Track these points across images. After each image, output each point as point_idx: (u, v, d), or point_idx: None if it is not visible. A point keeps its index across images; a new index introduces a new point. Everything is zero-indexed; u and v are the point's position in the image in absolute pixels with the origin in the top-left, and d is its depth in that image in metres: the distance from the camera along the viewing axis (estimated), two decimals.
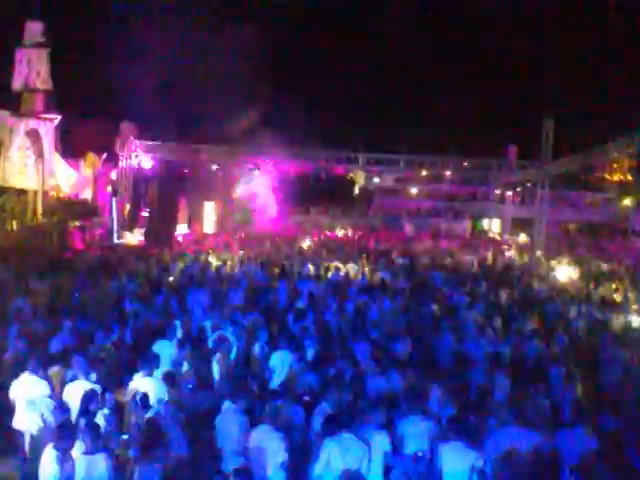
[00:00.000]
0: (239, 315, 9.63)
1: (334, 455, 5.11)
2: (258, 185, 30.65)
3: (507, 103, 45.32)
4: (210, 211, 31.38)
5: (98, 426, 5.20)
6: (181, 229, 26.47)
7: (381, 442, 5.36)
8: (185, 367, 7.31)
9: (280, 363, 7.52)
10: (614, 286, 15.85)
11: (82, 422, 5.32)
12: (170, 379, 6.47)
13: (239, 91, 28.66)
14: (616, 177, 42.94)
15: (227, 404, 5.94)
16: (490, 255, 22.64)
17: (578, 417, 6.23)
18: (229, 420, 5.75)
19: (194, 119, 31.41)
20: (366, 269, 17.10)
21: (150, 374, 6.57)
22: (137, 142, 27.08)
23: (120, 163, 26.53)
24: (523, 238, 29.73)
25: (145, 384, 6.34)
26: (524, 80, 47.89)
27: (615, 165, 41.74)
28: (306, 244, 24.06)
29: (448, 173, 35.80)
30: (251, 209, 32.02)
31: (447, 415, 5.92)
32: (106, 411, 5.82)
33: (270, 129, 27.55)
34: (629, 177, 38.58)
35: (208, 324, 8.84)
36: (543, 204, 19.10)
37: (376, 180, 40.85)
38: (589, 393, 7.60)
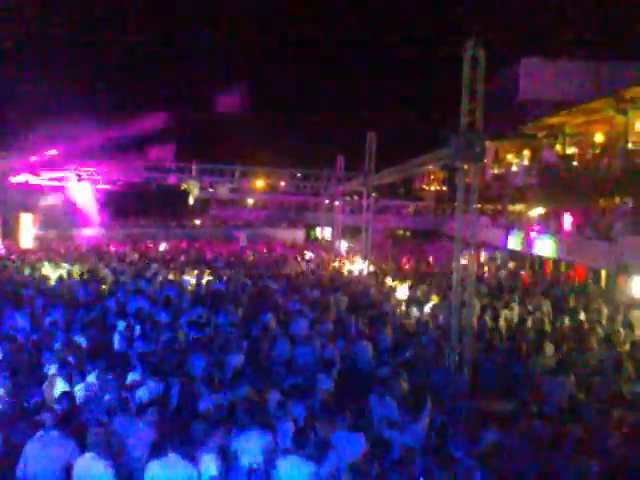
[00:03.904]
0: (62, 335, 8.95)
1: (158, 476, 4.95)
2: (79, 195, 28.46)
3: (337, 118, 47.70)
4: (28, 224, 28.57)
5: None
6: None
7: (211, 459, 5.24)
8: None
9: (103, 385, 7.04)
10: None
11: None
12: None
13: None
14: (433, 187, 47.07)
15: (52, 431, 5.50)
16: (322, 262, 23.52)
17: (408, 414, 6.62)
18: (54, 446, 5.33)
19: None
20: (202, 280, 16.79)
21: None
22: None
23: None
24: (350, 245, 31.30)
25: None
26: (352, 97, 51.09)
27: (432, 177, 45.77)
28: (136, 257, 22.94)
29: (282, 183, 36.55)
30: (70, 221, 29.64)
31: (284, 426, 5.97)
32: None
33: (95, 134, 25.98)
34: (444, 188, 42.37)
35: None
36: (369, 213, 20.28)
37: (211, 190, 40.37)
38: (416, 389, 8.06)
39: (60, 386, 7.01)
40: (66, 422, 5.74)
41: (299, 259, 24.11)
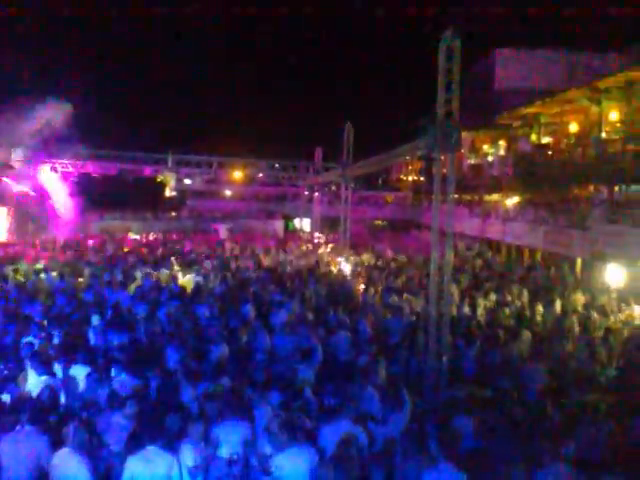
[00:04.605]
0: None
1: (138, 470, 4.92)
2: (53, 188, 27.99)
3: (314, 109, 47.61)
4: (2, 217, 28.07)
5: None
6: None
7: (191, 451, 5.23)
8: None
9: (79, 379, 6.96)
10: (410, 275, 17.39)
11: None
12: None
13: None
14: (410, 178, 47.28)
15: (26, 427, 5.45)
16: (301, 254, 23.50)
17: (389, 404, 6.65)
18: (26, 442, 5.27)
19: None
20: (179, 274, 16.66)
21: None
22: None
23: None
24: (329, 235, 31.33)
25: None
26: (330, 90, 51.03)
27: (410, 167, 46.00)
28: (113, 250, 22.65)
29: (260, 175, 36.42)
30: (45, 215, 29.14)
31: (264, 417, 5.97)
32: None
33: (68, 127, 25.48)
34: (421, 178, 42.58)
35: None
36: (347, 203, 20.30)
37: (188, 182, 40.00)
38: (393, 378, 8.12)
39: (36, 381, 6.91)
40: (41, 417, 5.67)
41: (279, 250, 24.05)
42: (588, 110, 21.31)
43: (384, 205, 44.94)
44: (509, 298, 14.45)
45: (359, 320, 10.98)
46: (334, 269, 19.36)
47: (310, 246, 26.94)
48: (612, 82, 18.96)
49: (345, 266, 19.38)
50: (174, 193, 40.86)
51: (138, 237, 29.63)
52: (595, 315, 12.74)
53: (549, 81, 26.85)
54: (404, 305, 12.80)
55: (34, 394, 6.38)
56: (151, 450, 5.05)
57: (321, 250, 25.30)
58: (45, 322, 9.88)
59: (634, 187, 20.00)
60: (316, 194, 32.44)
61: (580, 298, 14.69)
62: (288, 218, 40.52)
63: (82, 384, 6.94)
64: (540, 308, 13.59)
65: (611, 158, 19.15)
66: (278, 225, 38.45)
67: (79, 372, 7.15)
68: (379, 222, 43.55)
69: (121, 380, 6.95)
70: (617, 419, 6.60)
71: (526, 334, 10.53)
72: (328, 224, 33.22)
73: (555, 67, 29.83)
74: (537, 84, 27.38)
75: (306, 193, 36.47)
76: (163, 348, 8.40)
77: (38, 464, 5.22)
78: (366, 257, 22.33)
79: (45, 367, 7.25)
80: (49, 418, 5.91)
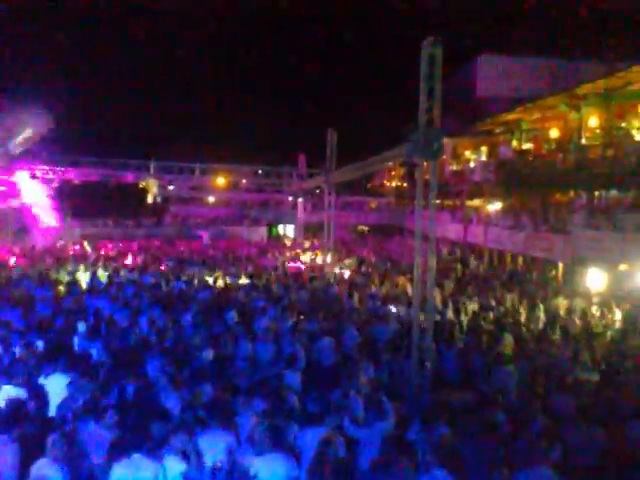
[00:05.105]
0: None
1: (124, 478, 4.86)
2: (33, 196, 27.66)
3: (298, 116, 47.71)
4: None
5: None
6: None
7: (175, 459, 5.17)
8: None
9: (61, 388, 6.84)
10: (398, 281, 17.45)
11: None
12: None
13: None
14: (393, 184, 47.47)
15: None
16: (284, 260, 23.46)
17: (373, 410, 6.64)
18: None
19: None
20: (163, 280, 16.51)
21: None
22: None
23: None
24: (313, 241, 31.33)
25: None
26: (313, 96, 51.23)
27: (393, 173, 46.18)
28: (94, 257, 22.41)
29: (244, 181, 36.37)
30: (24, 221, 28.76)
31: (248, 425, 5.92)
32: None
33: (49, 134, 25.26)
34: (404, 184, 42.76)
35: None
36: (330, 209, 20.29)
37: (171, 188, 39.77)
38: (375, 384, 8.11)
39: (13, 390, 6.79)
40: (15, 425, 5.57)
41: (263, 256, 24.00)
42: (568, 116, 21.57)
43: (368, 211, 45.07)
44: (492, 303, 14.54)
45: (343, 326, 10.96)
46: (318, 275, 19.34)
47: (294, 252, 26.91)
48: (591, 89, 19.22)
49: (329, 272, 19.38)
50: (157, 199, 40.57)
51: (120, 243, 29.36)
52: (577, 319, 12.86)
53: (531, 88, 27.15)
54: (387, 310, 12.81)
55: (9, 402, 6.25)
56: (136, 458, 5.01)
57: (305, 256, 25.28)
58: (25, 329, 9.73)
59: (613, 192, 20.27)
60: (300, 200, 32.43)
61: (562, 302, 14.82)
62: (272, 224, 40.46)
63: (63, 392, 6.82)
64: (523, 312, 13.69)
65: (591, 164, 19.39)
66: (262, 231, 38.37)
67: (60, 380, 7.03)
68: (363, 228, 43.66)
69: (102, 388, 6.85)
70: (600, 423, 6.65)
71: (508, 338, 10.59)
72: (312, 230, 33.24)
73: (536, 74, 30.21)
74: (519, 91, 27.69)
75: (290, 199, 36.46)
76: (145, 355, 8.31)
77: (8, 472, 5.15)
78: (350, 262, 22.36)
79: (26, 375, 7.13)
80: (24, 427, 5.80)
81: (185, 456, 5.31)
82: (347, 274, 19.69)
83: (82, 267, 18.39)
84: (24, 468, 5.24)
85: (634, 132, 18.91)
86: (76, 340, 9.31)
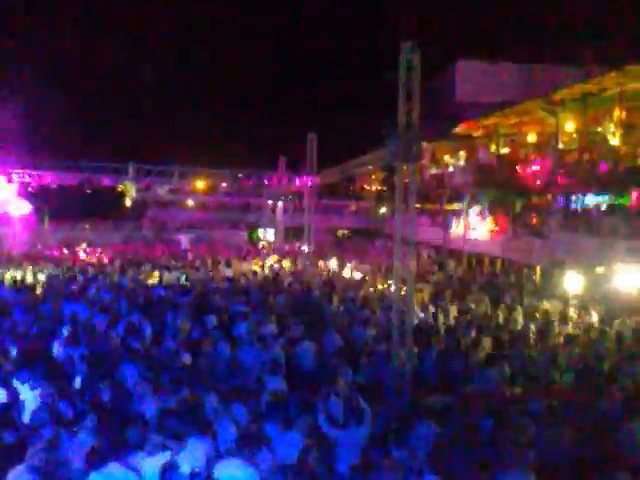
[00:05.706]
0: None
1: None
2: (8, 200, 27.15)
3: (278, 119, 47.58)
4: None
5: None
6: None
7: (152, 466, 5.10)
8: None
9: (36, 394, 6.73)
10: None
11: None
12: None
13: None
14: (374, 187, 47.56)
15: None
16: (264, 264, 23.39)
17: (353, 414, 6.61)
18: None
19: None
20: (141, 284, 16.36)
21: None
22: None
23: None
24: (293, 245, 31.30)
25: None
26: (293, 99, 51.27)
27: (373, 177, 46.29)
28: (71, 261, 22.14)
29: (224, 185, 36.07)
30: None
31: (225, 430, 5.87)
32: None
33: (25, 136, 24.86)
34: (384, 188, 42.87)
35: None
36: (311, 213, 20.29)
37: (149, 192, 39.32)
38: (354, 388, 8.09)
39: None
40: None
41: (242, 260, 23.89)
42: (545, 121, 21.84)
43: (348, 214, 45.09)
44: (471, 306, 14.64)
45: (323, 330, 10.94)
46: (298, 279, 19.30)
47: (274, 256, 26.83)
48: (568, 94, 19.48)
49: (309, 276, 19.36)
50: (135, 202, 40.10)
51: (97, 247, 29.01)
52: (555, 322, 12.99)
53: (509, 93, 27.48)
54: (367, 314, 12.82)
55: None
56: (113, 466, 4.92)
57: (285, 260, 25.22)
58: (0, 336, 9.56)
59: (589, 196, 20.57)
60: (280, 204, 32.35)
61: (540, 305, 14.98)
62: (252, 228, 40.27)
63: (39, 399, 6.70)
64: (501, 315, 13.80)
65: (567, 168, 19.67)
66: (242, 235, 38.20)
67: (36, 387, 6.90)
68: (344, 231, 43.67)
69: (81, 394, 6.75)
70: (576, 424, 6.72)
71: (487, 341, 10.66)
72: (292, 234, 33.17)
73: (514, 79, 30.60)
74: (497, 96, 27.98)
75: (270, 203, 36.33)
76: (121, 360, 8.20)
77: None
78: (333, 266, 22.37)
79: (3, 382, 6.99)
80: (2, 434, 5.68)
81: (162, 462, 5.24)
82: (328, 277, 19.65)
83: (59, 271, 18.13)
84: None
85: (609, 136, 19.21)
86: (54, 346, 9.16)
